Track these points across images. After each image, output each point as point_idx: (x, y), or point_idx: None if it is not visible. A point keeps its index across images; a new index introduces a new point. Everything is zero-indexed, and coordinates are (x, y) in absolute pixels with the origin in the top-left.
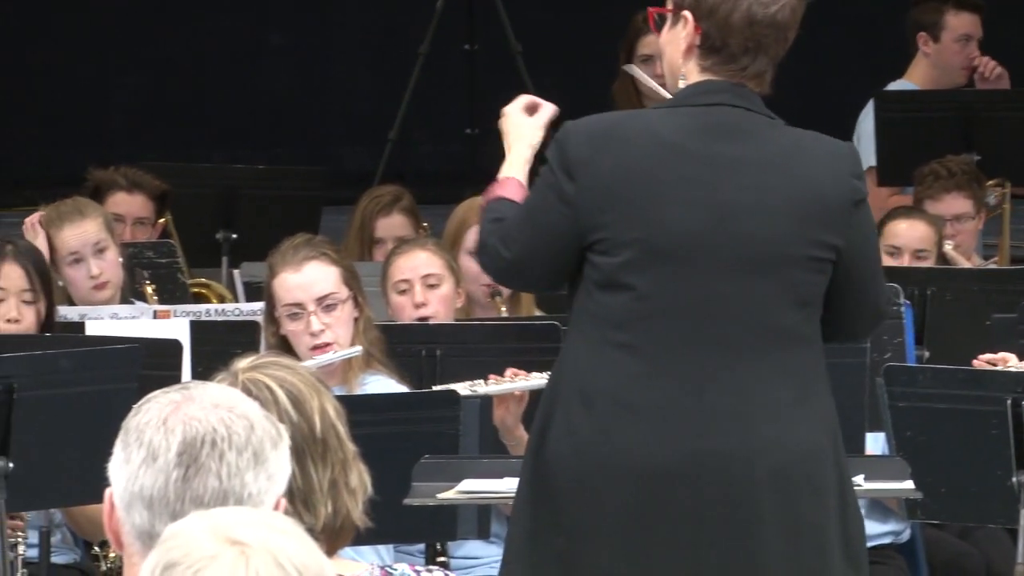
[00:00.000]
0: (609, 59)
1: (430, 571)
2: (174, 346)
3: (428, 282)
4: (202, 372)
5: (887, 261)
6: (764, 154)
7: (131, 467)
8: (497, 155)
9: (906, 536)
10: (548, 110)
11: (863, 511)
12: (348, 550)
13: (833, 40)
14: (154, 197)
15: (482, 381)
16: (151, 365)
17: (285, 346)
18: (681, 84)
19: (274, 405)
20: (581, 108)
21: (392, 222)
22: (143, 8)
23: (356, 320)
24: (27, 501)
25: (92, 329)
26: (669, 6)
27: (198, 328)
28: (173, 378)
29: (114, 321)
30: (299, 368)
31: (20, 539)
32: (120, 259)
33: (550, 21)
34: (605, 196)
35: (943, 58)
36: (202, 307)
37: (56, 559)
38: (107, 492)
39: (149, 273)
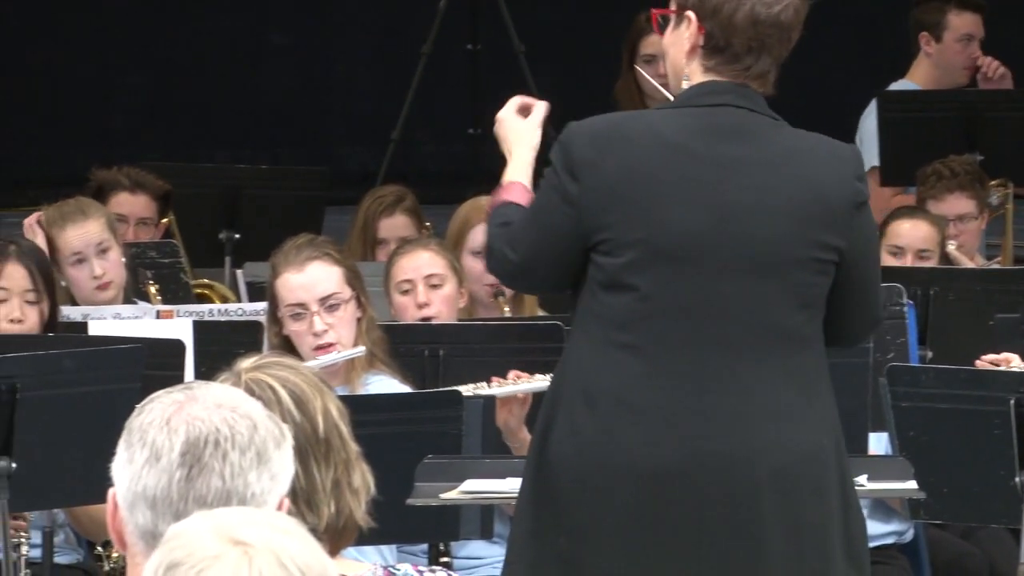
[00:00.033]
0: (612, 59)
1: (433, 571)
2: (177, 346)
3: (431, 282)
4: (205, 372)
5: (890, 261)
6: (767, 155)
7: (134, 467)
8: (497, 157)
9: (909, 536)
10: (541, 108)
11: (866, 511)
12: (351, 550)
13: (834, 40)
14: (157, 197)
15: (485, 384)
16: (154, 365)
17: (288, 346)
18: (685, 85)
19: (277, 405)
20: (583, 108)
21: (395, 222)
22: (145, 8)
23: (359, 320)
24: (30, 501)
25: (95, 329)
26: (672, 7)
27: (201, 328)
28: (176, 378)
29: (117, 321)
30: (302, 368)
31: (23, 539)
32: (123, 259)
33: (553, 21)
34: (608, 197)
35: (945, 58)
36: (205, 307)
37: (59, 559)
38: (110, 492)
39: (152, 273)
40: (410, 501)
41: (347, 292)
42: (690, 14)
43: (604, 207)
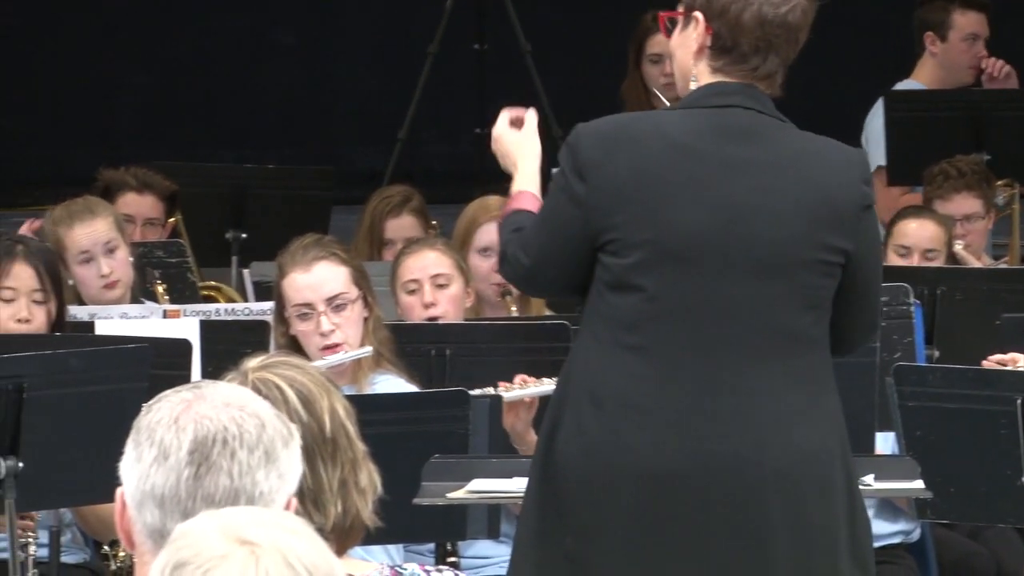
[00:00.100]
0: (618, 58)
1: (440, 571)
2: (184, 346)
3: (437, 282)
4: (212, 372)
5: (897, 261)
6: (774, 156)
7: (142, 466)
8: (499, 170)
9: (916, 536)
10: (532, 116)
11: (873, 511)
12: (358, 550)
13: (839, 41)
14: (164, 197)
15: (491, 389)
16: (161, 365)
17: (295, 346)
18: (692, 86)
19: (284, 405)
20: (590, 107)
21: (402, 223)
22: (152, 8)
23: (366, 320)
24: (37, 501)
25: (102, 329)
26: (680, 9)
27: (208, 328)
28: (183, 378)
29: (124, 320)
30: (309, 368)
31: (30, 539)
32: (130, 258)
33: (559, 21)
34: (616, 197)
35: (950, 57)
36: (212, 307)
37: (66, 559)
38: (119, 491)
39: (160, 273)
40: (417, 501)
41: (354, 292)
42: (698, 15)
43: (611, 208)
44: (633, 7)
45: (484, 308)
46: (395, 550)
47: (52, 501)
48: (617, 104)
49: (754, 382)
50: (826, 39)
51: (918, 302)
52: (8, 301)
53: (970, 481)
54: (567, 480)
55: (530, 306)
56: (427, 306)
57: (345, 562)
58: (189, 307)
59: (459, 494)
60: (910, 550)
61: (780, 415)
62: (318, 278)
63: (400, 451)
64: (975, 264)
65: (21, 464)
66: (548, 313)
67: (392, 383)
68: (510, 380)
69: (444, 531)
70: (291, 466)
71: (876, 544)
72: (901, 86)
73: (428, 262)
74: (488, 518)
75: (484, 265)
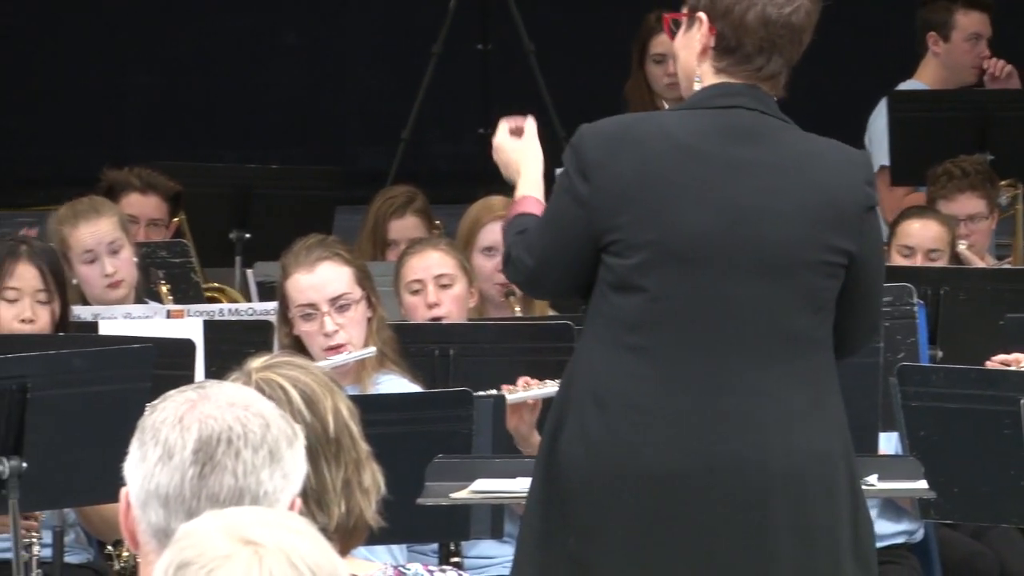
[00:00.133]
0: (622, 58)
1: (443, 571)
2: (187, 346)
3: (441, 282)
4: (215, 372)
5: (900, 261)
6: (778, 158)
7: (147, 465)
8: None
9: (919, 536)
10: (531, 123)
11: (876, 511)
12: (362, 550)
13: (841, 41)
14: (168, 198)
15: (494, 391)
16: (164, 365)
17: (299, 346)
18: (696, 86)
19: (287, 405)
20: (593, 107)
21: (405, 224)
22: (156, 8)
23: (369, 320)
24: (41, 501)
25: (105, 329)
26: (684, 10)
27: (212, 328)
28: (186, 378)
29: (127, 321)
30: (312, 368)
31: (34, 539)
32: (135, 258)
33: (563, 21)
34: (619, 198)
35: (953, 57)
36: (216, 307)
37: (69, 559)
38: (123, 491)
39: (164, 273)
40: (420, 501)
41: (357, 292)
42: (701, 15)
43: (615, 208)
44: (637, 7)
45: (488, 308)
46: (399, 550)
47: (56, 501)
48: (621, 104)
49: (757, 383)
50: (829, 39)
51: (922, 302)
52: (12, 301)
53: (973, 481)
54: (570, 480)
55: (534, 306)
56: (431, 306)
57: (349, 562)
58: (193, 307)
59: (463, 494)
60: (914, 550)
61: (783, 416)
62: (322, 278)
63: (403, 451)
64: (979, 264)
65: (25, 464)
66: (552, 313)
67: (396, 383)
68: (514, 380)
69: (447, 531)
70: (295, 466)
71: (880, 544)
72: (904, 86)
73: (432, 262)
74: (491, 518)
75: (488, 265)
